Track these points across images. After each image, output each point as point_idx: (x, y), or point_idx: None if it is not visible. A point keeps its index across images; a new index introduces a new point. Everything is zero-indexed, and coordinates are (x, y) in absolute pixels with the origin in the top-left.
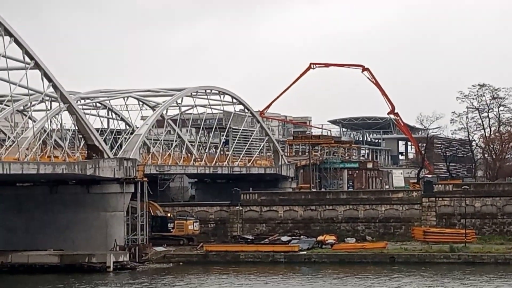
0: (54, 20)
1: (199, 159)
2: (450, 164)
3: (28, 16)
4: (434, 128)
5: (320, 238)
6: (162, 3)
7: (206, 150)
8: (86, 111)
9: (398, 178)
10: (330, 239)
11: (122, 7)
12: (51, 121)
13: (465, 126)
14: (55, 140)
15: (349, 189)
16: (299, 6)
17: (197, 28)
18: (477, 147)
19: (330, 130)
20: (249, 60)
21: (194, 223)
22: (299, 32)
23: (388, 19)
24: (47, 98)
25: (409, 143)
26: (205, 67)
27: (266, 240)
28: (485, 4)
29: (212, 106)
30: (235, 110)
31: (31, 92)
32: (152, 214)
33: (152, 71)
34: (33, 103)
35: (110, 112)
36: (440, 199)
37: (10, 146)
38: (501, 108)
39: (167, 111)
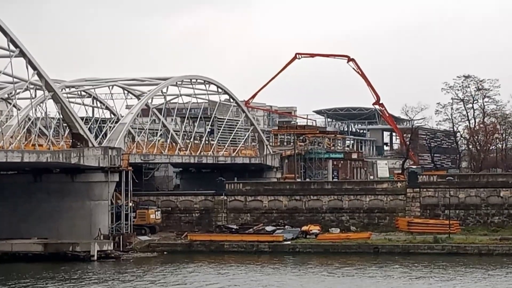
0: (48, 7)
1: (184, 149)
2: (435, 155)
3: (21, 2)
4: (419, 119)
5: (304, 228)
6: None
7: (191, 140)
8: (71, 100)
9: (383, 168)
10: (315, 229)
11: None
12: (35, 109)
13: (450, 117)
14: (39, 129)
15: (334, 180)
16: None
17: (189, 17)
18: (462, 138)
19: (315, 121)
20: (235, 50)
21: (156, 212)
22: (286, 23)
23: (374, 10)
24: (31, 86)
25: (394, 133)
26: (194, 56)
27: (251, 230)
28: None
29: (197, 96)
30: (220, 100)
31: (15, 80)
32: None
33: (141, 60)
34: (18, 91)
35: (95, 100)
36: (425, 190)
37: None
38: (486, 99)
39: (152, 100)
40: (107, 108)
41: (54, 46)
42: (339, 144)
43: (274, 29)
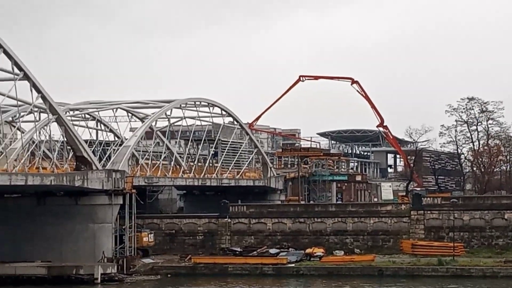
0: (53, 29)
1: (187, 171)
2: (439, 177)
3: (27, 25)
4: (423, 141)
5: (308, 250)
6: (158, 13)
7: (195, 162)
8: (75, 123)
9: (387, 191)
10: (319, 251)
11: (119, 16)
12: (39, 132)
13: (454, 139)
14: (43, 151)
15: (338, 202)
16: (293, 18)
17: (192, 39)
18: (466, 160)
19: (319, 143)
20: (239, 72)
21: (149, 235)
22: (290, 45)
23: (378, 33)
24: (35, 109)
25: (398, 156)
26: (197, 78)
27: (255, 252)
28: (474, 19)
29: (201, 118)
30: (224, 122)
31: (19, 103)
32: None
33: (146, 82)
34: (22, 114)
35: (99, 123)
36: (429, 212)
37: None
38: (490, 121)
39: (156, 123)
40: (111, 130)
41: (58, 68)
42: (343, 167)
43: (277, 51)
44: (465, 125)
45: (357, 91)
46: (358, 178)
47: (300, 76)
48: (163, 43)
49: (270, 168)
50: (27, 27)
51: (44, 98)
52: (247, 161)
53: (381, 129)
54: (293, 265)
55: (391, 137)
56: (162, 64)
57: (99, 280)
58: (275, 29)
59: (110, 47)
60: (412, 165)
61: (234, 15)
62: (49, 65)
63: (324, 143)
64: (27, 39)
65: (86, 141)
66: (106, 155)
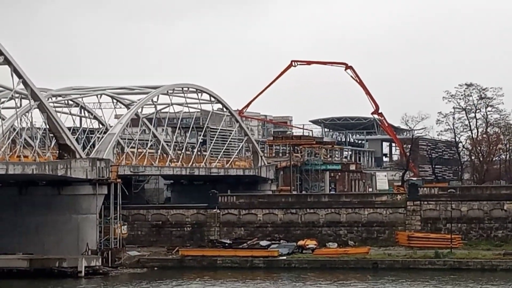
0: (45, 12)
1: (175, 160)
2: (436, 166)
3: (11, 7)
4: (419, 129)
5: (300, 242)
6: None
7: (183, 151)
8: (57, 109)
9: (382, 180)
10: (311, 243)
11: (115, 2)
12: (21, 119)
13: (452, 127)
14: (25, 139)
15: (331, 192)
16: (289, 4)
17: (185, 24)
18: (464, 149)
19: (311, 131)
20: (229, 57)
21: (123, 227)
22: (283, 31)
23: (373, 18)
24: (16, 95)
25: (393, 144)
26: (188, 64)
27: (245, 244)
28: (473, 6)
29: (189, 105)
30: (213, 109)
31: (0, 88)
32: None
33: (134, 69)
34: (2, 100)
35: (82, 110)
36: (425, 202)
37: None
38: (489, 108)
39: (142, 110)
40: (95, 118)
41: (43, 53)
42: (337, 155)
43: (269, 36)
44: (463, 112)
45: (351, 76)
46: (352, 167)
47: (292, 61)
48: (155, 29)
49: (261, 157)
50: (11, 10)
51: (25, 83)
52: (237, 149)
53: (376, 116)
54: (284, 257)
55: (387, 124)
56: (153, 51)
57: (83, 273)
58: (270, 15)
59: (99, 32)
60: (408, 154)
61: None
62: (33, 50)
63: (316, 130)
64: (10, 22)
65: (69, 128)
66: (90, 143)
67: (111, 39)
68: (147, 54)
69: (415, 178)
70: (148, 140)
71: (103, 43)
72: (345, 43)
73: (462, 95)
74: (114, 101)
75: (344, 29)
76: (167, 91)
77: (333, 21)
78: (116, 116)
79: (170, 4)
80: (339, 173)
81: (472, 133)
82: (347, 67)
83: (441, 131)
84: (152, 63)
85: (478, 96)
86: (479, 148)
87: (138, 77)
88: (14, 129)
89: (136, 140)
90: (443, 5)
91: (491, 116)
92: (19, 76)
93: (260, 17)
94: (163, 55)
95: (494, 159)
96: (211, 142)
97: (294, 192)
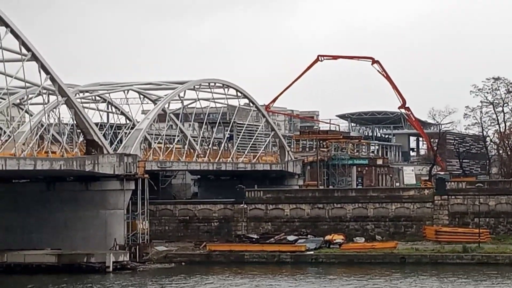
0: (69, 9)
1: (202, 155)
2: (463, 160)
3: (42, 6)
4: (446, 123)
5: (328, 237)
6: None
7: (210, 146)
8: (85, 105)
9: (409, 175)
10: (338, 238)
11: None
12: (48, 115)
13: (479, 121)
14: (52, 135)
15: (358, 187)
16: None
17: (209, 21)
18: (492, 143)
19: (338, 125)
20: (256, 53)
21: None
22: (310, 25)
23: (400, 12)
24: (44, 91)
25: (420, 138)
26: (214, 59)
27: (272, 239)
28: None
29: (215, 100)
30: (239, 104)
31: (28, 85)
32: None
33: (162, 64)
34: (30, 96)
35: (110, 105)
36: (453, 197)
37: (6, 141)
38: None
39: (169, 105)
40: (122, 113)
41: (69, 49)
42: (364, 150)
43: (295, 30)
44: (491, 106)
45: (378, 71)
46: (379, 162)
47: (318, 56)
48: (183, 25)
49: (288, 151)
50: (36, 6)
51: (53, 79)
52: (263, 144)
53: (403, 110)
54: (312, 252)
55: (414, 119)
56: (181, 47)
57: (111, 269)
58: (297, 10)
59: (128, 28)
60: (435, 148)
61: None
62: (58, 46)
63: (343, 125)
64: (36, 19)
65: (96, 124)
66: (118, 139)
67: (139, 35)
68: (175, 50)
69: (442, 173)
70: (175, 136)
71: (131, 39)
72: (372, 37)
73: (489, 89)
74: (141, 96)
75: (371, 23)
76: (194, 86)
77: (360, 15)
78: (143, 112)
79: (197, 1)
80: (366, 168)
81: (499, 127)
82: (374, 61)
83: (468, 125)
84: (179, 59)
85: (505, 90)
86: (507, 142)
87: (166, 73)
88: (42, 125)
89: (163, 135)
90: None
91: None
92: (47, 72)
93: (287, 12)
94: (190, 51)
95: None
96: (238, 137)
97: (321, 187)
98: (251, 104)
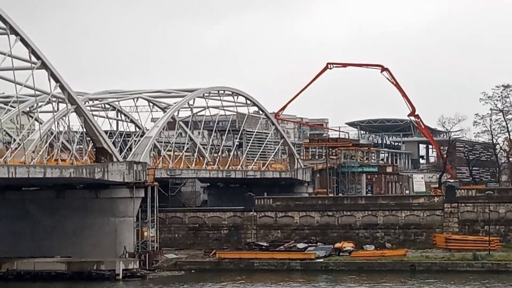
0: (80, 13)
1: (211, 163)
2: (473, 168)
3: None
4: (456, 131)
5: (337, 245)
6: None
7: (219, 154)
8: (94, 113)
9: (419, 183)
10: (348, 246)
11: (152, 2)
12: (58, 123)
13: (489, 129)
14: (62, 143)
15: (368, 194)
16: (320, 5)
17: (218, 28)
18: (501, 151)
19: (348, 133)
20: (265, 57)
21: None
22: (319, 32)
23: (410, 19)
24: (54, 99)
25: (430, 146)
26: (223, 66)
27: (282, 247)
28: (510, 4)
29: (225, 108)
30: (249, 112)
31: (37, 93)
32: None
33: (171, 70)
34: (40, 104)
35: (119, 113)
36: (463, 204)
37: (16, 149)
38: None
39: (178, 113)
40: (131, 121)
41: (78, 56)
42: (373, 158)
43: (304, 38)
44: (501, 113)
45: (387, 78)
46: (389, 169)
47: (328, 64)
48: (193, 30)
49: (297, 159)
50: (46, 12)
51: (62, 87)
52: (273, 152)
53: (412, 118)
54: (321, 260)
55: (423, 126)
56: (191, 52)
57: (120, 276)
58: (305, 18)
59: (134, 33)
60: (445, 155)
61: (267, 1)
62: (68, 53)
63: (353, 133)
64: (46, 26)
65: (106, 132)
66: (127, 147)
67: (148, 40)
68: (184, 54)
69: (452, 180)
70: (184, 143)
71: (140, 45)
72: (381, 44)
73: (499, 96)
74: (151, 104)
75: (380, 31)
76: (203, 94)
77: (369, 22)
78: (153, 120)
79: (208, 5)
80: (376, 175)
81: (509, 135)
82: (383, 69)
83: (478, 132)
84: (189, 63)
85: None
86: None
87: (176, 79)
88: (52, 133)
89: (172, 143)
90: (480, 5)
91: None
92: (56, 80)
93: (296, 20)
94: (199, 55)
95: None
96: (247, 145)
97: (331, 195)
98: (261, 112)
